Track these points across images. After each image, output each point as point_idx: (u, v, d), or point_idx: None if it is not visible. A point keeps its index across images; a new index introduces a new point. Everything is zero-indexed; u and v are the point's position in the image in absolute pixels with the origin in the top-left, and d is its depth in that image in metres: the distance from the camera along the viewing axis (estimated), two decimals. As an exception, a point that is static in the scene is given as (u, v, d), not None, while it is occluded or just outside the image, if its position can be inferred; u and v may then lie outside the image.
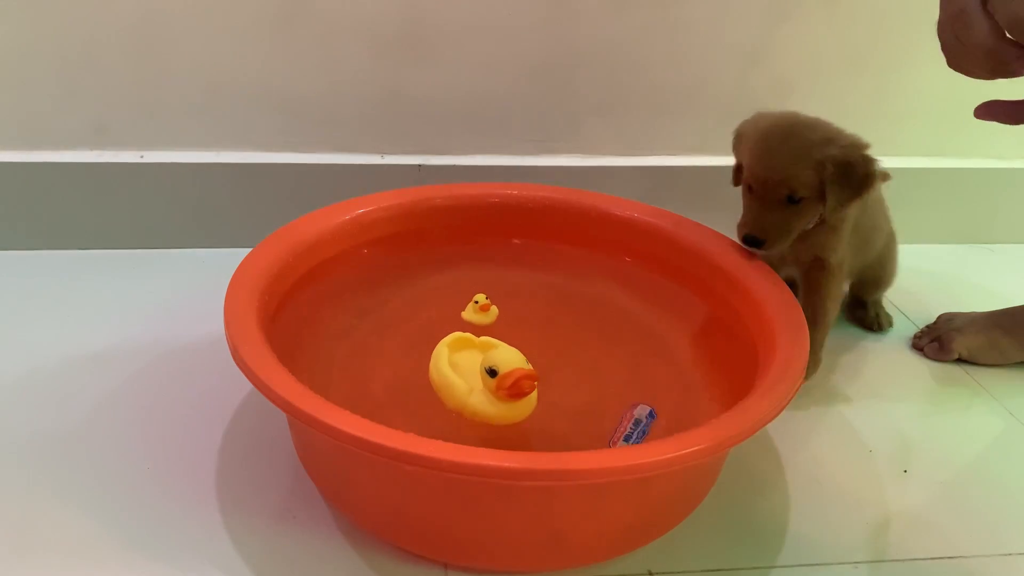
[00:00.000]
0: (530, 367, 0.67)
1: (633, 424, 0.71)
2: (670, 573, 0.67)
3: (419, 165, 1.11)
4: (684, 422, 0.70)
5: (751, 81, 1.12)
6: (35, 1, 0.97)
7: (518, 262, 0.94)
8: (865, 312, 1.03)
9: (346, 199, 0.89)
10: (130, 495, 0.71)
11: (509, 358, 0.68)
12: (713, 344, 0.83)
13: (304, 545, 0.68)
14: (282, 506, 0.71)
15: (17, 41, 0.98)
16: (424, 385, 0.72)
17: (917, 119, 1.11)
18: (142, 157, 1.06)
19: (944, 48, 0.65)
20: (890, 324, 1.04)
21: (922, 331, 1.01)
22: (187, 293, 1.00)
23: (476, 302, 0.83)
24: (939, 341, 0.98)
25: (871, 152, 0.81)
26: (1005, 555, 0.72)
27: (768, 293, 0.80)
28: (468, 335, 0.74)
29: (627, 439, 0.70)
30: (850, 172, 0.80)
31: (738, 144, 0.87)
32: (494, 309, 0.84)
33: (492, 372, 0.67)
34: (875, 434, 0.85)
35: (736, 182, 0.87)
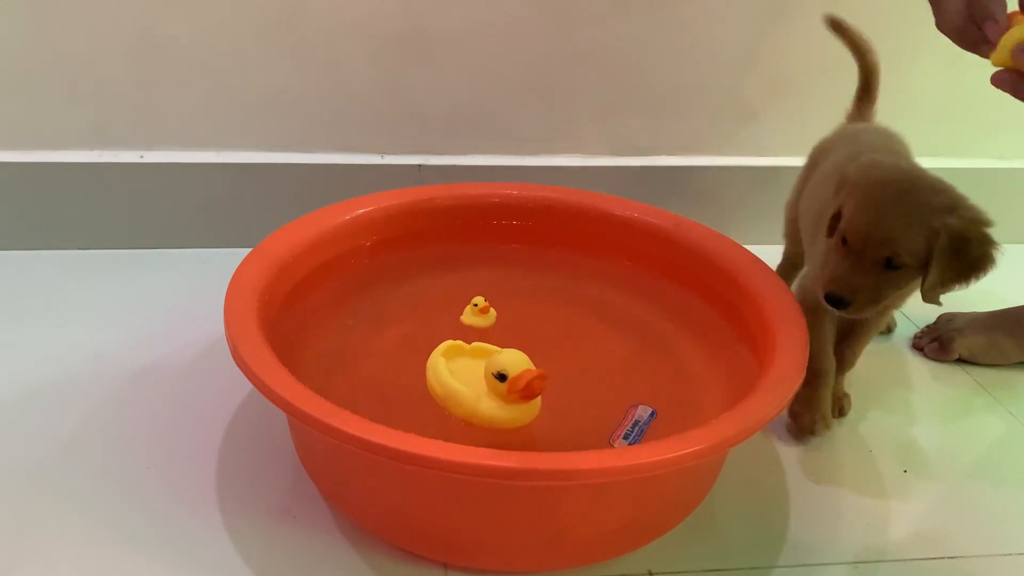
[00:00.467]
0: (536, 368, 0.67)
1: (633, 424, 0.72)
2: (670, 573, 0.67)
3: (419, 165, 1.11)
4: (684, 422, 0.69)
5: (750, 81, 1.12)
6: (36, 1, 0.97)
7: (518, 262, 0.94)
8: None
9: (346, 199, 0.89)
10: (130, 495, 0.71)
11: (516, 361, 0.68)
12: (713, 344, 0.83)
13: (304, 545, 0.68)
14: (282, 506, 0.71)
15: (18, 41, 0.99)
16: (424, 386, 0.72)
17: (917, 119, 1.10)
18: (142, 157, 1.06)
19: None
20: (894, 326, 1.04)
21: (922, 331, 1.02)
22: (187, 293, 1.00)
23: (475, 305, 0.83)
24: (939, 341, 0.98)
25: (992, 232, 0.71)
26: (1005, 555, 0.72)
27: (768, 293, 0.80)
28: (459, 343, 0.74)
29: (626, 437, 0.70)
30: (964, 250, 0.70)
31: (840, 190, 0.76)
32: (492, 312, 0.83)
33: (501, 376, 0.67)
34: (875, 434, 0.85)
35: (830, 232, 0.76)
